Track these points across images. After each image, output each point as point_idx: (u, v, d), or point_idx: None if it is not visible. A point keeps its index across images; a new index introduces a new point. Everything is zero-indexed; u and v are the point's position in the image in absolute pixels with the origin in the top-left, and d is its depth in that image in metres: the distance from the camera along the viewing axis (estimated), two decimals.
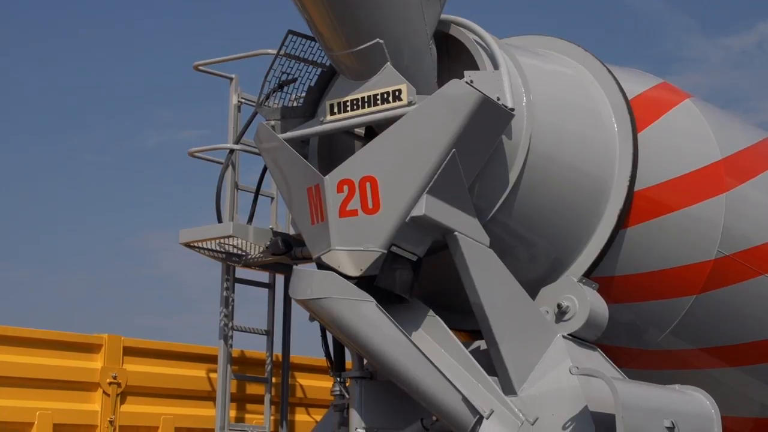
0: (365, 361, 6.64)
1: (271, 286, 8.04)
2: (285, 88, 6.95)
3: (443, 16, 6.62)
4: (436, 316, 6.51)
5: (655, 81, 7.98)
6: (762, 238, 8.00)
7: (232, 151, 7.60)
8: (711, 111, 8.18)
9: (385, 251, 6.26)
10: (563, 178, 6.91)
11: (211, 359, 8.04)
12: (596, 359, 6.94)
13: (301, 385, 9.05)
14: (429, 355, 6.18)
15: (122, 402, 7.91)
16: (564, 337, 6.75)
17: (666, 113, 7.71)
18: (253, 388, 8.45)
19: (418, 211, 6.21)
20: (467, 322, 6.81)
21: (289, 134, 6.76)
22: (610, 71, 7.45)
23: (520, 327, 6.56)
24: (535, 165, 6.70)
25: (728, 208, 7.68)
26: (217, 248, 7.56)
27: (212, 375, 8.20)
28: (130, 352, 8.03)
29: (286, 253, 7.36)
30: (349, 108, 6.61)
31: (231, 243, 7.49)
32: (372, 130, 6.91)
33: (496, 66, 6.52)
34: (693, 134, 7.78)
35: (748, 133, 8.55)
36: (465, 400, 6.13)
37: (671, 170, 7.46)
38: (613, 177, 7.13)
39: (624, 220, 7.10)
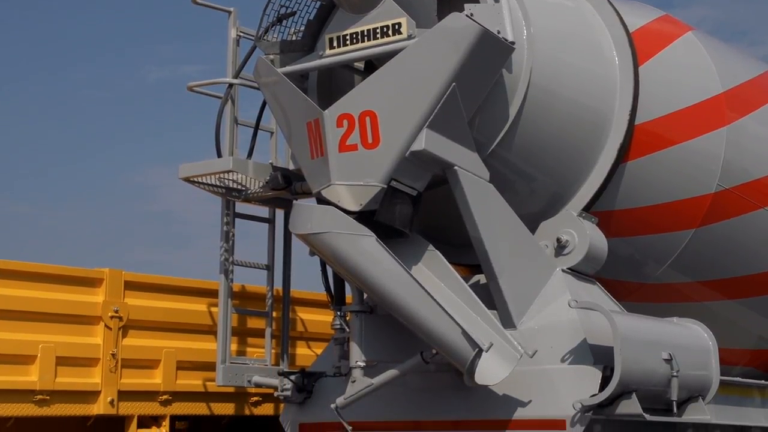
0: (365, 295, 6.67)
1: (271, 221, 8.05)
2: (284, 22, 6.89)
3: None
4: (436, 251, 6.53)
5: (657, 14, 7.91)
6: (762, 172, 8.00)
7: (231, 85, 7.56)
8: (713, 44, 8.13)
9: (385, 186, 6.26)
10: (563, 111, 6.89)
11: (212, 294, 8.08)
12: (595, 293, 6.98)
13: (301, 319, 9.10)
14: (429, 289, 6.20)
15: (124, 336, 7.97)
16: (563, 270, 6.78)
17: (667, 46, 7.66)
18: (254, 322, 8.49)
19: (418, 145, 6.20)
20: (467, 256, 6.83)
21: (289, 68, 6.72)
22: (611, 3, 7.39)
23: (519, 261, 6.59)
24: (536, 99, 6.68)
25: (729, 141, 7.66)
26: (217, 183, 7.56)
27: (213, 309, 8.25)
28: (131, 286, 8.07)
29: (286, 188, 7.36)
30: (348, 42, 6.56)
31: (231, 178, 7.48)
32: (372, 64, 6.87)
33: None
34: (694, 67, 7.74)
35: (749, 66, 8.50)
36: (464, 333, 6.16)
37: (672, 103, 7.43)
38: (613, 110, 7.10)
39: (624, 153, 7.09)
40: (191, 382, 8.37)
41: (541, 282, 6.66)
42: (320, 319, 8.96)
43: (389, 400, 6.73)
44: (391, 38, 6.42)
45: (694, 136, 7.51)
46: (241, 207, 7.83)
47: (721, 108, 7.71)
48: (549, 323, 6.50)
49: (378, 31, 6.45)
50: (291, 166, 7.56)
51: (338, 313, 7.13)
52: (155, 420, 8.17)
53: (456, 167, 6.33)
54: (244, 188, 7.59)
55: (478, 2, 6.49)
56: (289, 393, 7.23)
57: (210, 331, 8.31)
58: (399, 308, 6.22)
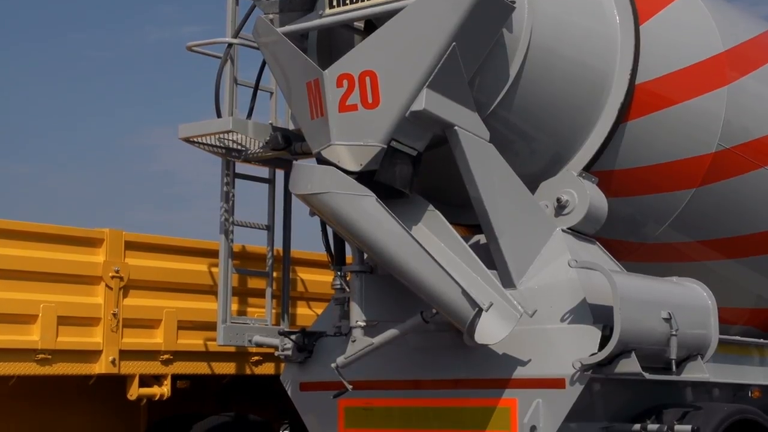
0: (365, 255, 6.68)
1: (271, 182, 8.04)
2: None
3: None
4: (436, 211, 6.54)
5: None
6: (762, 131, 7.99)
7: (230, 45, 7.53)
8: (714, 2, 8.08)
9: (385, 146, 6.25)
10: (564, 71, 6.87)
11: (212, 254, 8.09)
12: (595, 252, 6.99)
13: (301, 279, 9.12)
14: (429, 248, 6.21)
15: (125, 296, 7.99)
16: (563, 230, 6.79)
17: (669, 5, 7.62)
18: (254, 282, 8.51)
19: (418, 105, 6.18)
20: (467, 216, 6.84)
21: (288, 28, 6.70)
22: None
23: (519, 221, 6.59)
24: (536, 58, 6.65)
25: (729, 101, 7.65)
26: (217, 143, 7.55)
27: (214, 269, 8.26)
28: (131, 246, 8.08)
29: (286, 148, 7.35)
30: (348, 1, 6.53)
31: (230, 138, 7.47)
32: (372, 24, 6.84)
33: None
34: (695, 26, 7.71)
35: (751, 25, 8.46)
36: (464, 293, 6.18)
37: (673, 63, 7.41)
38: (614, 70, 7.08)
39: (624, 113, 7.08)
40: (192, 341, 8.40)
41: (541, 242, 6.67)
42: (320, 279, 8.98)
43: (389, 360, 6.76)
44: None
45: (694, 95, 7.49)
46: (241, 167, 7.82)
47: (722, 67, 7.69)
48: (549, 283, 6.51)
49: None
50: (291, 127, 7.55)
51: (338, 273, 7.14)
52: (156, 379, 8.22)
53: (456, 127, 6.32)
54: (244, 148, 7.58)
55: None
56: (289, 352, 7.27)
57: (211, 291, 8.34)
58: (399, 268, 6.23)
